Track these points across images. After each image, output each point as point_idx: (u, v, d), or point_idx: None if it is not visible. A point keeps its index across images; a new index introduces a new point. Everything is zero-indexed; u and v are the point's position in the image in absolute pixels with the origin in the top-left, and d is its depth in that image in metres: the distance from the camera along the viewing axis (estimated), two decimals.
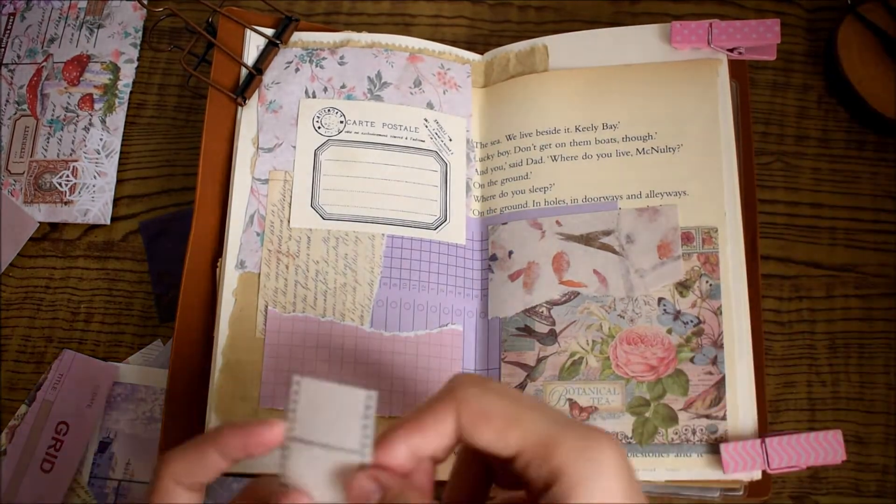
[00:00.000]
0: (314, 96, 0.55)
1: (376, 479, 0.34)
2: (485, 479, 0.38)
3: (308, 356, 0.50)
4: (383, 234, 0.52)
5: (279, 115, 0.54)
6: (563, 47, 0.56)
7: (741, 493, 0.50)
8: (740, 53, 0.54)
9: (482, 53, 0.58)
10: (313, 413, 0.33)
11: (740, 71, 0.56)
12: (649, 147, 0.53)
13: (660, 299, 0.50)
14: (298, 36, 0.57)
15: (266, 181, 0.53)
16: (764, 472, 0.47)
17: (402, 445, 0.34)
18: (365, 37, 0.57)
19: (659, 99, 0.54)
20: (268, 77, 0.55)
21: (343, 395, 0.33)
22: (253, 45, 0.56)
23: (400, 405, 0.49)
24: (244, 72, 0.55)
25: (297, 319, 0.50)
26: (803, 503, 0.55)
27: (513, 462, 0.33)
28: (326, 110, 0.54)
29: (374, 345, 0.50)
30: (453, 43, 0.58)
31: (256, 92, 0.55)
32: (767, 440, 0.47)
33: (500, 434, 0.33)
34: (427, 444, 0.34)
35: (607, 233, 0.52)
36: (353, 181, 0.53)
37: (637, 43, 0.55)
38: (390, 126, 0.55)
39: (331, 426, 0.34)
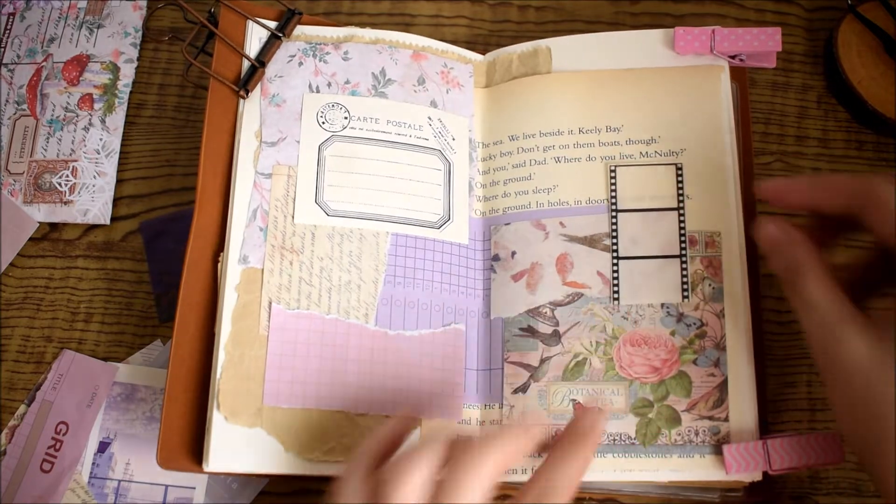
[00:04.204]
0: (318, 91, 0.54)
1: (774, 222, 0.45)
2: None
3: (313, 353, 0.49)
4: (388, 233, 0.52)
5: (282, 110, 0.54)
6: (567, 49, 0.56)
7: (741, 493, 0.50)
8: (742, 60, 0.54)
9: (482, 53, 0.58)
10: None
11: (740, 71, 0.56)
12: (653, 151, 0.53)
13: (663, 302, 0.50)
14: (301, 30, 0.56)
15: (269, 175, 0.52)
16: (765, 473, 0.47)
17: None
18: (369, 33, 0.56)
19: (662, 104, 0.54)
20: (270, 70, 0.55)
21: None
22: (255, 37, 0.55)
23: (403, 404, 0.49)
24: (246, 64, 0.55)
25: (302, 316, 0.50)
26: (803, 503, 0.55)
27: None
28: (331, 105, 0.54)
29: (379, 343, 0.50)
30: (453, 43, 0.58)
31: (259, 85, 0.54)
32: (769, 441, 0.47)
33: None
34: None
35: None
36: (358, 178, 0.53)
37: (641, 47, 0.55)
38: (395, 123, 0.54)
39: None
